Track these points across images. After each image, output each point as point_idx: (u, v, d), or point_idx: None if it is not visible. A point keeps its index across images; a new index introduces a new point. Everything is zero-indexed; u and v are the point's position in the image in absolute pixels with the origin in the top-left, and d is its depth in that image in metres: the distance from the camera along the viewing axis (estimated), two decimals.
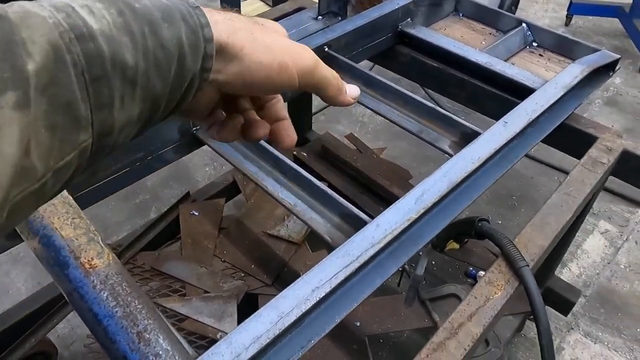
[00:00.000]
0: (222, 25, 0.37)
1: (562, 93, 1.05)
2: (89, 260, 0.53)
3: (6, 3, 0.28)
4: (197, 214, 1.60)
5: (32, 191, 0.27)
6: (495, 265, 0.85)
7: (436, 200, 0.81)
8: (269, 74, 0.39)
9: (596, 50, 1.24)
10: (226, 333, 1.33)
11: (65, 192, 0.57)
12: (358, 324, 1.38)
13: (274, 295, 1.50)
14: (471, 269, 1.49)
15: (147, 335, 0.51)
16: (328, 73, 0.43)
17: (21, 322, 1.35)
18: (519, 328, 1.59)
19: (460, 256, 1.59)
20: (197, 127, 0.99)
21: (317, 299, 0.66)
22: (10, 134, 0.24)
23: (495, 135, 0.93)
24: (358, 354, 1.35)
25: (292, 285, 0.67)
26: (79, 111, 0.28)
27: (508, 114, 0.98)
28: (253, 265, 1.49)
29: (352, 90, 0.46)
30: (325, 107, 2.64)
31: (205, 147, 1.01)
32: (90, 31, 0.28)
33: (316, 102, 2.14)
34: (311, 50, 0.42)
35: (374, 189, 1.69)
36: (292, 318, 0.64)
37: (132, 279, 0.55)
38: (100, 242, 0.55)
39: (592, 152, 1.07)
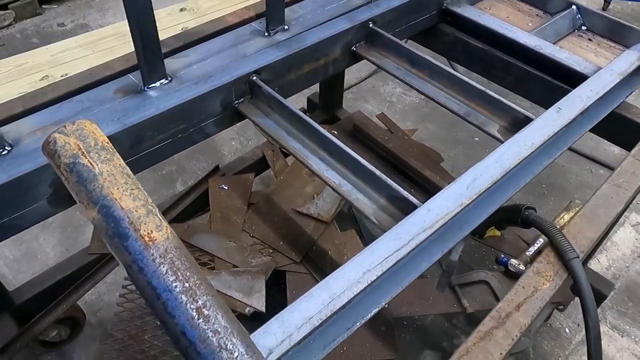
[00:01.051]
0: None
1: (617, 80, 1.01)
2: (148, 233, 0.52)
3: None
4: (226, 187, 1.59)
5: None
6: (544, 255, 0.83)
7: (488, 186, 0.78)
8: None
9: None
10: (254, 308, 1.33)
11: (122, 162, 0.56)
12: (387, 305, 1.36)
13: (302, 273, 1.49)
14: (502, 256, 1.46)
15: (207, 312, 0.50)
16: None
17: (52, 287, 1.37)
18: (547, 318, 1.57)
19: (491, 242, 1.56)
20: (240, 101, 0.97)
21: (369, 281, 0.65)
22: None
23: (549, 121, 0.90)
24: (385, 335, 1.35)
25: (342, 266, 0.66)
26: None
27: (562, 99, 0.94)
28: (282, 242, 1.48)
29: None
30: (353, 85, 2.60)
31: None
32: None
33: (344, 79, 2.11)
34: None
35: (404, 171, 1.66)
36: (344, 300, 0.63)
37: (190, 253, 0.54)
38: (159, 215, 0.54)
39: None
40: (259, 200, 1.58)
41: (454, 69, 2.39)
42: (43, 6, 3.21)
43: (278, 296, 1.46)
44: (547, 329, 1.66)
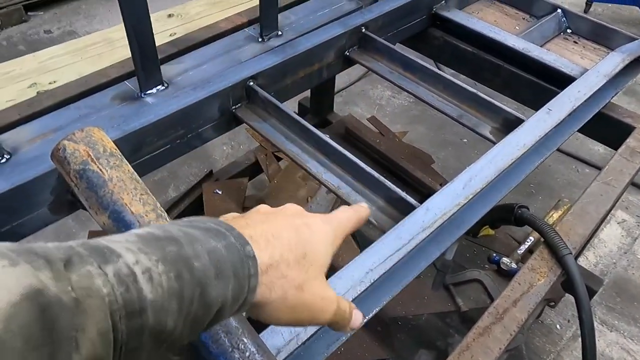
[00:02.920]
0: (266, 276, 0.39)
1: (604, 82, 1.04)
2: None
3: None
4: (220, 192, 1.60)
5: None
6: (538, 252, 0.85)
7: (483, 186, 0.81)
8: (286, 325, 0.44)
9: (633, 39, 1.23)
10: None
11: (130, 168, 0.57)
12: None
13: None
14: (494, 254, 1.49)
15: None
16: (341, 319, 0.46)
17: None
18: (538, 314, 1.61)
19: (483, 241, 1.59)
20: (237, 106, 0.99)
21: (372, 280, 0.67)
22: None
23: (540, 122, 0.92)
24: (381, 336, 1.37)
25: (345, 266, 0.68)
26: None
27: (551, 101, 0.97)
28: None
29: (356, 320, 0.48)
30: (343, 89, 2.63)
31: None
32: (142, 305, 0.29)
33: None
34: (334, 302, 0.45)
35: (397, 173, 1.68)
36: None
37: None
38: (168, 219, 0.55)
39: (630, 141, 1.06)
40: (253, 205, 1.58)
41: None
42: (29, 13, 3.19)
43: None
44: (538, 325, 1.69)
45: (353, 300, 0.67)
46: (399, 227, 0.72)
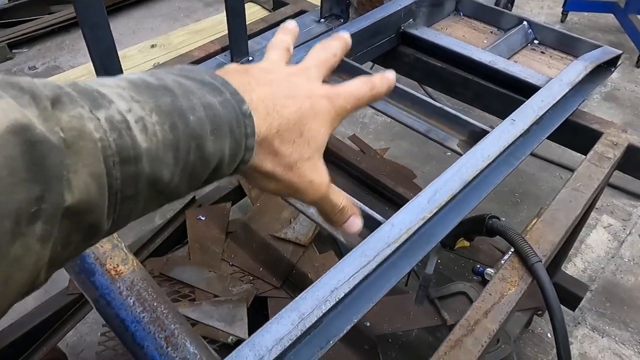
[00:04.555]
0: (258, 148, 0.37)
1: (567, 90, 1.06)
2: (114, 267, 0.53)
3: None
4: (203, 218, 1.60)
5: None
6: (509, 261, 0.86)
7: (448, 199, 0.81)
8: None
9: (598, 46, 1.25)
10: (237, 337, 1.34)
11: None
12: (368, 324, 1.38)
13: (283, 298, 1.50)
14: (478, 266, 1.49)
15: (175, 340, 0.51)
16: (330, 209, 0.46)
17: (32, 331, 1.35)
18: (527, 324, 1.60)
19: (467, 254, 1.60)
20: None
21: (337, 299, 0.67)
22: (26, 264, 0.25)
23: (504, 132, 0.94)
24: (369, 354, 1.36)
25: (311, 286, 0.68)
26: (100, 228, 0.28)
27: (515, 111, 0.99)
28: (261, 268, 1.49)
29: (353, 224, 0.48)
30: None
31: None
32: (137, 152, 0.28)
33: None
34: (322, 188, 0.43)
35: (378, 190, 1.69)
36: (313, 319, 0.65)
37: (157, 284, 0.56)
38: (124, 249, 0.55)
39: (598, 147, 1.08)
40: (237, 229, 1.59)
41: (423, 89, 2.46)
42: (13, 51, 3.22)
43: (262, 322, 1.46)
44: (529, 335, 1.68)
45: (321, 319, 0.67)
46: (364, 244, 0.73)
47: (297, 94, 0.40)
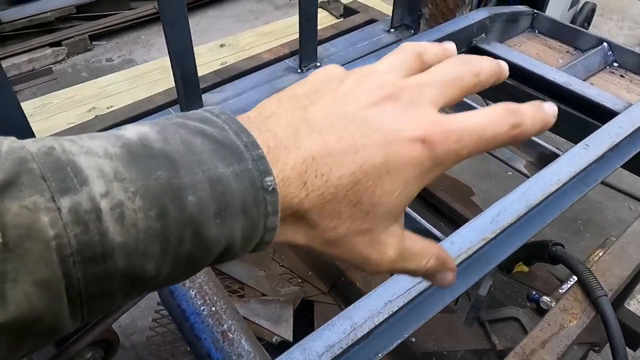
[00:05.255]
0: (286, 226, 0.29)
1: None
2: None
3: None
4: None
5: None
6: (571, 292, 0.82)
7: (512, 221, 0.79)
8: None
9: None
10: (281, 337, 1.35)
11: None
12: (414, 340, 1.36)
13: (330, 304, 1.50)
14: (534, 292, 1.44)
15: (231, 335, 0.53)
16: (411, 267, 0.35)
17: None
18: (582, 358, 1.52)
19: (522, 279, 1.54)
20: None
21: (390, 312, 0.66)
22: None
23: (576, 157, 0.90)
24: None
25: (365, 296, 0.68)
26: (59, 331, 0.23)
27: (589, 136, 0.95)
28: (310, 272, 1.50)
29: (442, 280, 0.37)
30: None
31: None
32: (107, 250, 0.23)
33: None
34: (387, 256, 0.32)
35: (434, 204, 1.67)
36: (365, 330, 0.64)
37: (217, 279, 0.57)
38: None
39: None
40: None
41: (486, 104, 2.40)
42: (93, 43, 3.41)
43: (306, 326, 1.47)
44: None
45: (372, 331, 0.67)
46: None
47: (366, 143, 0.28)
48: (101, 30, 3.41)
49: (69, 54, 3.29)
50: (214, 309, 0.53)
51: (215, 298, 0.54)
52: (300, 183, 0.28)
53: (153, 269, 0.25)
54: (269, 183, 0.27)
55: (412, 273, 0.35)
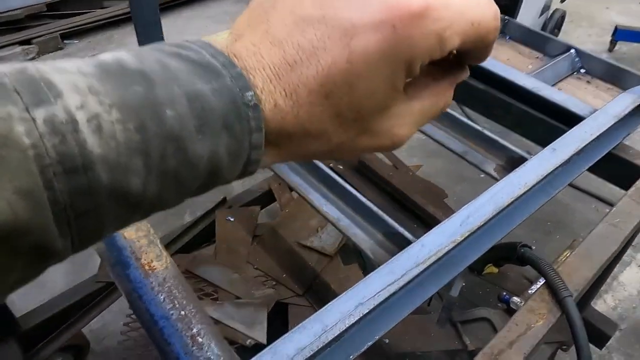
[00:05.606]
0: (276, 148, 0.29)
1: (612, 122, 1.03)
2: (148, 262, 0.55)
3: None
4: (232, 219, 1.62)
5: None
6: (538, 293, 0.84)
7: (481, 223, 0.80)
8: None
9: None
10: (256, 340, 1.34)
11: None
12: (387, 341, 1.37)
13: (304, 306, 1.50)
14: (504, 293, 1.46)
15: (200, 339, 0.52)
16: (434, 114, 0.33)
17: (59, 315, 1.39)
18: (550, 358, 1.56)
19: (493, 280, 1.57)
20: None
21: (361, 314, 0.67)
22: None
23: (543, 161, 0.92)
24: None
25: (336, 299, 0.68)
26: (50, 249, 0.23)
27: (556, 140, 0.97)
28: (285, 275, 1.50)
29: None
30: None
31: None
32: (87, 161, 0.22)
33: None
34: (400, 136, 0.31)
35: (408, 206, 1.68)
36: (336, 332, 0.65)
37: (187, 283, 0.57)
38: (159, 245, 0.57)
39: None
40: (264, 233, 1.60)
41: (462, 110, 2.44)
42: (65, 41, 3.34)
43: (281, 328, 1.47)
44: None
45: (344, 333, 0.67)
46: (393, 262, 0.73)
47: (327, 46, 0.26)
48: (73, 29, 3.35)
49: (39, 53, 3.21)
50: (183, 312, 0.53)
51: (184, 302, 0.54)
52: (272, 105, 0.27)
53: (139, 185, 0.24)
54: (250, 98, 0.26)
55: (439, 116, 0.34)
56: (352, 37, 0.26)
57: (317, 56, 0.26)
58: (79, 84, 0.23)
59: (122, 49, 0.26)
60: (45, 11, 3.38)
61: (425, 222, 1.66)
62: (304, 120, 0.27)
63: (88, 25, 3.40)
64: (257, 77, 0.27)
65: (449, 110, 1.08)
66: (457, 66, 0.34)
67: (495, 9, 0.29)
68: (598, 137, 1.02)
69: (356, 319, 0.66)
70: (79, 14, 3.45)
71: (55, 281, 1.85)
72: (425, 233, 0.79)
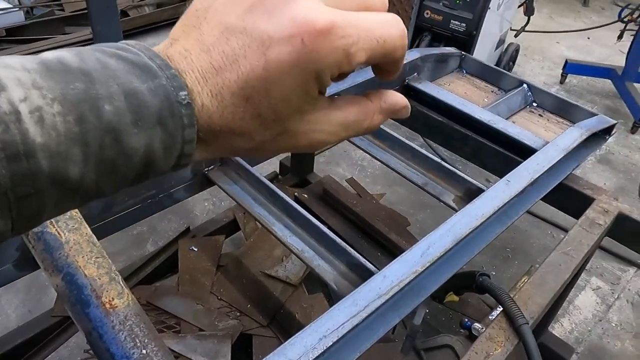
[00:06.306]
0: (207, 144, 0.31)
1: (562, 155, 1.09)
2: (109, 300, 0.54)
3: None
4: (196, 249, 1.60)
5: None
6: (496, 321, 0.86)
7: (441, 254, 0.83)
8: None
9: (594, 114, 1.30)
10: None
11: (89, 231, 0.59)
12: None
13: (269, 337, 1.48)
14: (466, 320, 1.49)
15: None
16: (354, 131, 0.36)
17: (13, 351, 1.33)
18: None
19: (455, 306, 1.59)
20: (209, 168, 1.02)
21: (325, 347, 0.67)
22: None
23: (499, 193, 0.96)
24: None
25: (300, 332, 0.69)
26: None
27: (510, 172, 1.01)
28: (249, 305, 1.48)
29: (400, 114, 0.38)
30: (325, 150, 2.69)
31: None
32: (29, 148, 0.24)
33: None
34: (317, 140, 0.34)
35: (372, 234, 1.71)
36: None
37: (150, 320, 0.56)
38: (121, 282, 0.56)
39: (590, 213, 1.10)
40: (228, 263, 1.59)
41: (423, 139, 2.49)
42: None
43: None
44: None
45: None
46: (355, 294, 0.74)
47: (247, 54, 0.29)
48: (34, 54, 3.27)
49: None
50: (144, 351, 0.52)
51: (146, 340, 0.53)
52: (200, 105, 0.29)
53: (77, 173, 0.26)
54: (183, 97, 0.29)
55: (363, 133, 0.37)
56: (268, 48, 0.29)
57: (239, 63, 0.29)
58: (22, 79, 0.25)
59: (63, 49, 0.28)
60: (4, 36, 3.31)
61: (388, 250, 1.68)
62: (229, 120, 0.30)
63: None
64: (187, 79, 0.29)
65: (411, 143, 1.11)
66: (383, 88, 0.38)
67: (402, 28, 0.32)
68: (549, 169, 1.08)
69: (320, 352, 0.67)
70: (39, 40, 3.39)
71: (9, 315, 1.77)
72: (388, 261, 0.81)
